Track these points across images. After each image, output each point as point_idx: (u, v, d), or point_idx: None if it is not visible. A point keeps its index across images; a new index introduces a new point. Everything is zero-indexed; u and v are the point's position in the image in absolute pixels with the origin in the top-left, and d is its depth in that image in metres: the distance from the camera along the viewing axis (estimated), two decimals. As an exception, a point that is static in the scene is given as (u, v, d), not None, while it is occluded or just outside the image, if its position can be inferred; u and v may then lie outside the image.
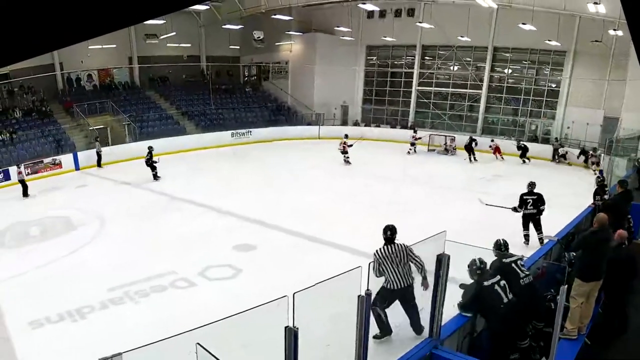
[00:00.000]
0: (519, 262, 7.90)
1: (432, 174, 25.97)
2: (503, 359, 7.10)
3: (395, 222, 16.49)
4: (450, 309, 7.20)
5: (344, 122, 42.21)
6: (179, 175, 27.79)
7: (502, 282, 7.28)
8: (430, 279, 6.88)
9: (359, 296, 5.39)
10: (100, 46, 38.88)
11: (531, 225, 15.58)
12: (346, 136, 28.10)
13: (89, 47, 38.19)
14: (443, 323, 6.97)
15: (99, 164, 31.82)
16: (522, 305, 7.29)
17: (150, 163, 25.53)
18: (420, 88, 39.47)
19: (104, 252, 16.90)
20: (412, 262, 7.82)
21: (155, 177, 25.62)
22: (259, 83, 47.67)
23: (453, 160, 30.54)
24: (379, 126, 40.82)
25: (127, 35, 40.92)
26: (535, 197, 15.33)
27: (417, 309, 7.72)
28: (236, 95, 44.89)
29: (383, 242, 8.11)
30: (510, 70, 36.45)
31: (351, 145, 28.09)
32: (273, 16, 38.25)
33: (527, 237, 15.80)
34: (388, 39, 38.28)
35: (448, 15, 34.73)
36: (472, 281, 7.69)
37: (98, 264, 15.72)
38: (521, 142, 30.64)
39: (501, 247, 8.17)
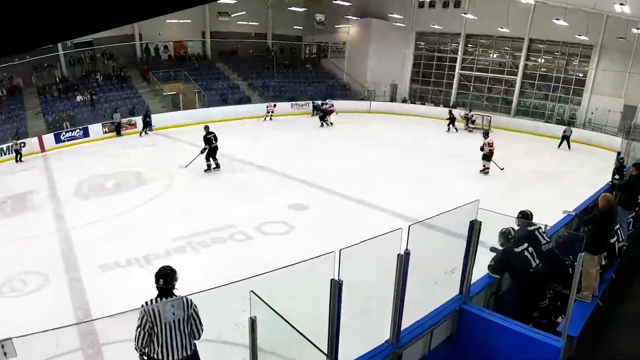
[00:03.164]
0: (541, 230, 7.91)
1: (469, 149, 25.19)
2: (526, 316, 7.13)
3: (432, 191, 16.78)
4: (478, 270, 7.13)
5: (393, 99, 42.46)
6: (241, 140, 27.76)
7: (530, 249, 7.32)
8: (462, 243, 6.65)
9: (398, 255, 5.37)
10: (176, 20, 39.68)
11: None
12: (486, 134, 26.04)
13: (167, 21, 39.05)
14: (472, 282, 6.98)
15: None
16: (545, 269, 7.38)
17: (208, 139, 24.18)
18: (462, 72, 39.85)
19: (171, 205, 16.97)
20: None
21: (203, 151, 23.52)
22: (318, 61, 47.78)
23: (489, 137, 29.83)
24: (424, 104, 40.93)
25: (201, 12, 41.21)
26: None
27: None
28: (297, 71, 45.13)
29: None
30: (542, 60, 36.73)
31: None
32: (334, 1, 38.38)
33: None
34: (436, 27, 38.85)
35: (490, 8, 34.95)
36: (501, 247, 7.75)
37: (165, 216, 15.80)
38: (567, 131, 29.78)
39: (527, 216, 8.21)
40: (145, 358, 5.71)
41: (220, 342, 7.43)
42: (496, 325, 6.42)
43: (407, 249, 5.41)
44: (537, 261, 7.28)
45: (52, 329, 7.44)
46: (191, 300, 5.70)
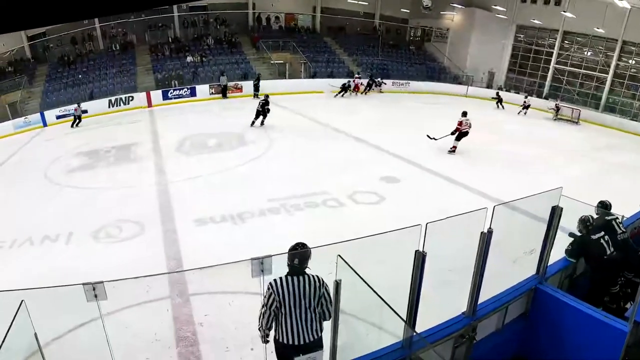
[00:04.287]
0: (617, 220, 8.04)
1: (556, 138, 24.96)
2: (597, 300, 7.29)
3: (518, 176, 16.10)
4: (555, 252, 7.10)
5: (489, 86, 42.07)
6: (340, 110, 27.73)
7: (606, 237, 7.47)
8: (542, 226, 6.68)
9: (482, 232, 5.51)
10: (290, -7, 39.82)
11: None
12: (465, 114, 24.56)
13: (280, -6, 39.25)
14: (549, 264, 7.09)
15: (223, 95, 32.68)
16: (618, 257, 7.49)
17: (263, 109, 23.49)
18: (557, 66, 39.45)
19: (268, 168, 16.91)
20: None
21: (261, 122, 23.48)
22: (422, 43, 47.30)
23: (574, 129, 29.40)
24: (518, 93, 39.87)
25: (313, -14, 41.66)
26: None
27: None
28: (401, 51, 44.81)
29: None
30: (633, 62, 35.84)
31: None
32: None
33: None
34: (536, 21, 38.68)
35: (588, 8, 34.54)
36: (579, 233, 7.84)
37: (262, 177, 15.75)
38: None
39: (606, 206, 8.31)
40: (269, 340, 5.30)
41: None
42: (568, 306, 6.53)
43: (490, 228, 5.53)
44: (612, 249, 7.44)
45: (145, 276, 7.34)
46: (323, 280, 5.22)
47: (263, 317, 5.14)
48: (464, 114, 19.71)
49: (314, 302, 5.15)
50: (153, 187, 14.95)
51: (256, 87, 32.20)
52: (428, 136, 20.11)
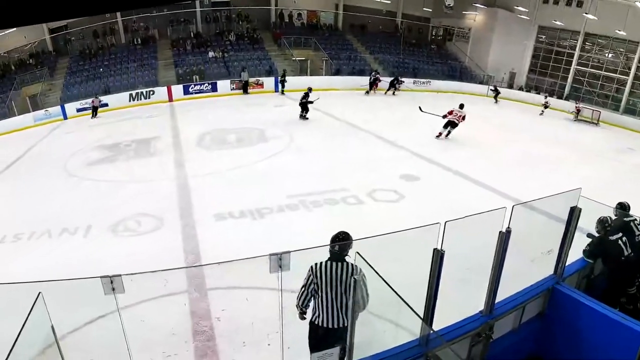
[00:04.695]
0: (636, 222, 7.98)
1: (579, 140, 24.74)
2: (614, 301, 7.24)
3: (537, 176, 16.07)
4: (573, 253, 7.11)
5: (510, 86, 42.06)
6: (361, 108, 27.63)
7: (624, 238, 7.46)
8: (560, 227, 6.72)
9: (500, 232, 5.51)
10: (313, -9, 39.91)
11: None
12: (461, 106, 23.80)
13: (303, -10, 39.34)
14: (567, 264, 7.10)
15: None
16: (636, 258, 7.48)
17: (304, 103, 23.83)
18: (577, 67, 39.43)
19: (288, 164, 16.89)
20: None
21: (303, 117, 23.96)
22: (443, 43, 47.22)
23: (594, 131, 29.23)
24: (539, 93, 39.86)
25: (338, -16, 41.69)
26: None
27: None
28: (422, 50, 44.81)
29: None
30: None
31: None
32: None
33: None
34: (557, 23, 38.63)
35: (610, 11, 34.58)
36: (597, 233, 7.81)
37: (281, 173, 15.73)
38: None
39: (625, 208, 8.28)
40: (305, 317, 5.70)
41: None
42: (585, 306, 6.51)
43: (509, 227, 5.54)
44: (630, 250, 7.44)
45: (163, 270, 7.32)
46: (360, 269, 5.27)
47: (300, 296, 5.57)
48: (461, 106, 21.09)
49: (349, 290, 5.37)
50: (173, 182, 14.98)
51: (282, 84, 32.32)
52: (420, 108, 22.68)
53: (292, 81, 32.68)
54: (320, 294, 5.50)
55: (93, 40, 33.66)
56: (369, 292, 5.41)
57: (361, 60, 39.77)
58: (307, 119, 23.64)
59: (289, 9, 41.38)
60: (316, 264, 5.50)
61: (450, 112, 20.79)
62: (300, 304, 5.58)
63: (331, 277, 5.48)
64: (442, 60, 43.82)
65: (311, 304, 5.66)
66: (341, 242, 5.50)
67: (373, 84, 34.38)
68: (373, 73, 35.68)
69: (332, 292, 5.46)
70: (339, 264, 5.49)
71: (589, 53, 38.42)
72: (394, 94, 34.03)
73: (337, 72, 37.15)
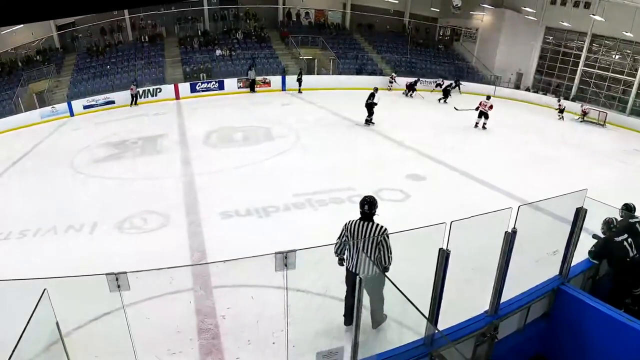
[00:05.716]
0: None
1: (586, 141, 24.64)
2: (619, 302, 7.35)
3: (543, 177, 16.11)
4: (578, 254, 7.23)
5: (517, 87, 42.18)
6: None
7: (630, 239, 7.48)
8: (566, 227, 6.82)
9: (505, 232, 5.57)
10: (320, -10, 39.95)
11: None
12: (488, 97, 25.47)
13: (311, -10, 39.41)
14: (572, 265, 7.22)
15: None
16: None
17: (370, 104, 22.51)
18: (584, 69, 39.45)
19: (295, 162, 16.90)
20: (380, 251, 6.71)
21: (368, 122, 22.70)
22: (450, 43, 47.19)
23: (601, 132, 28.93)
24: (545, 94, 40.21)
25: (345, -18, 41.72)
26: None
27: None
28: (429, 50, 44.78)
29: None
30: None
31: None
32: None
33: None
34: (565, 24, 38.59)
35: (617, 12, 34.54)
36: (603, 234, 7.98)
37: (288, 172, 15.74)
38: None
39: (630, 209, 8.43)
40: (343, 264, 6.87)
41: (329, 297, 7.84)
42: (590, 307, 6.60)
43: (514, 228, 5.60)
44: (635, 251, 7.46)
45: (168, 267, 7.33)
46: (385, 229, 6.57)
47: (337, 244, 6.74)
48: (488, 97, 24.11)
49: (371, 246, 6.52)
50: (179, 179, 15.00)
51: (299, 82, 32.40)
52: (455, 108, 26.09)
53: (304, 79, 32.98)
54: (349, 246, 6.67)
55: (100, 37, 33.67)
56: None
57: (368, 60, 39.80)
58: (373, 124, 22.62)
59: (297, 7, 41.37)
60: (349, 221, 6.75)
61: (480, 104, 23.49)
62: (336, 251, 6.74)
63: (358, 232, 6.61)
64: (449, 60, 43.83)
65: (347, 253, 6.78)
66: (370, 203, 6.67)
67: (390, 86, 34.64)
68: (393, 75, 35.95)
69: (360, 245, 6.51)
70: (367, 222, 6.62)
71: (596, 54, 38.47)
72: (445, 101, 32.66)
73: (359, 72, 37.38)
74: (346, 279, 6.83)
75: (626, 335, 6.07)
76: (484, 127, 23.50)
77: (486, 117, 23.41)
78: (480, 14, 43.16)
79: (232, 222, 11.72)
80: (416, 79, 35.76)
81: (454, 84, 35.79)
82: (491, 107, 23.35)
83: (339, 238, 6.77)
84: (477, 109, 23.59)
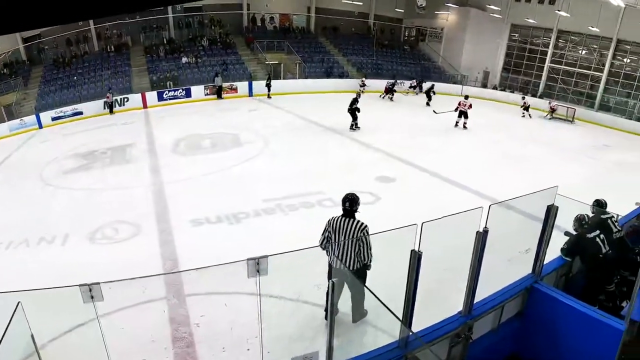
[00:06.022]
0: (613, 219, 8.18)
1: (555, 138, 24.86)
2: (593, 299, 7.39)
3: (513, 175, 16.34)
4: (551, 251, 7.29)
5: (484, 85, 42.38)
6: (335, 111, 27.13)
7: (602, 236, 7.56)
8: (538, 225, 6.88)
9: (477, 232, 5.61)
10: (284, -6, 39.97)
11: None
12: (466, 97, 25.87)
13: (275, -6, 39.41)
14: (545, 262, 7.24)
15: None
16: (614, 255, 7.59)
17: (354, 110, 22.47)
18: (551, 65, 39.76)
19: (264, 168, 16.94)
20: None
21: (353, 127, 22.61)
22: (416, 43, 47.47)
23: (569, 128, 29.33)
24: (512, 92, 40.11)
25: (309, -13, 41.78)
26: None
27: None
28: (395, 51, 44.95)
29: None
30: (628, 60, 36.17)
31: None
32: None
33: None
34: (530, 20, 38.84)
35: (582, 7, 34.92)
36: (574, 231, 8.04)
37: (257, 177, 15.77)
38: None
39: (602, 205, 8.51)
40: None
41: (302, 302, 7.85)
42: (564, 304, 6.68)
43: (486, 227, 5.65)
44: (607, 247, 7.52)
45: (141, 277, 7.38)
46: (365, 226, 6.78)
47: (322, 239, 7.02)
48: (466, 97, 24.56)
49: (353, 241, 6.69)
50: (148, 188, 14.96)
51: (268, 87, 32.43)
52: (434, 111, 26.53)
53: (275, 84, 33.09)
54: (331, 241, 6.84)
55: (66, 48, 33.32)
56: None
57: (334, 63, 39.98)
58: (359, 128, 22.56)
59: (261, 12, 41.35)
60: (332, 218, 7.00)
61: (459, 104, 24.10)
62: (320, 244, 6.97)
63: (340, 228, 6.82)
64: (415, 60, 44.06)
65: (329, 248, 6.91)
66: (351, 200, 6.91)
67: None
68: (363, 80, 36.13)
69: (338, 241, 6.72)
70: (349, 219, 6.84)
71: (563, 50, 38.86)
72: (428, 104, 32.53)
73: (329, 75, 37.62)
74: (328, 274, 6.80)
75: (600, 332, 6.16)
76: (464, 127, 23.93)
77: (466, 116, 23.84)
78: (445, 14, 43.45)
79: (203, 230, 11.72)
80: (394, 81, 35.67)
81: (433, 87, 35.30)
82: (470, 106, 23.82)
83: (322, 234, 7.05)
84: (456, 109, 24.12)
